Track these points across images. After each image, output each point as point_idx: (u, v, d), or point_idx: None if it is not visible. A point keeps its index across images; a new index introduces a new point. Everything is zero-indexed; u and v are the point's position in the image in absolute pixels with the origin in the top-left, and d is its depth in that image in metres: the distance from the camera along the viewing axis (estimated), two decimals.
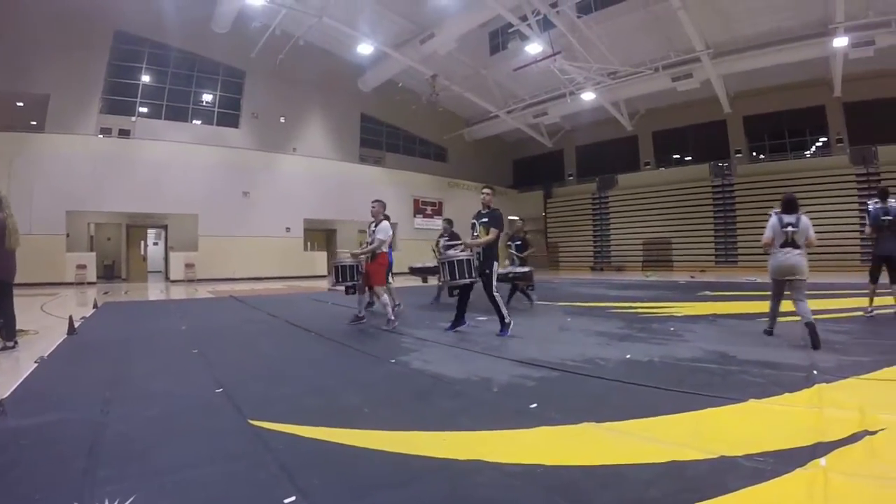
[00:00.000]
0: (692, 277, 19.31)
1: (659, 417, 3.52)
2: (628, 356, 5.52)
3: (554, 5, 19.94)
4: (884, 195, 7.69)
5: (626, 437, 3.19)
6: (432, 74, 24.19)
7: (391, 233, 7.98)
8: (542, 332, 7.20)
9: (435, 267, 9.64)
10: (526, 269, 10.30)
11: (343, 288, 8.50)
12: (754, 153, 26.50)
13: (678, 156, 29.02)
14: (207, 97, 24.39)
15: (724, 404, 3.79)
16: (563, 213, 31.75)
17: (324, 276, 23.17)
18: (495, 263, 6.91)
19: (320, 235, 26.66)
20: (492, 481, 2.56)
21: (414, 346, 6.30)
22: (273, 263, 22.86)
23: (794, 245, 6.03)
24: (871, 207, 7.73)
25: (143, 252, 25.16)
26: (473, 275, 6.83)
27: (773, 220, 6.17)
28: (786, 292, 6.31)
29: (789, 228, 6.02)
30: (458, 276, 6.83)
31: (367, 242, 8.03)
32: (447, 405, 3.85)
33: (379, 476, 2.63)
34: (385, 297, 7.74)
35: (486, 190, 7.34)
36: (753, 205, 23.14)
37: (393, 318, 7.65)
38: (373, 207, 7.95)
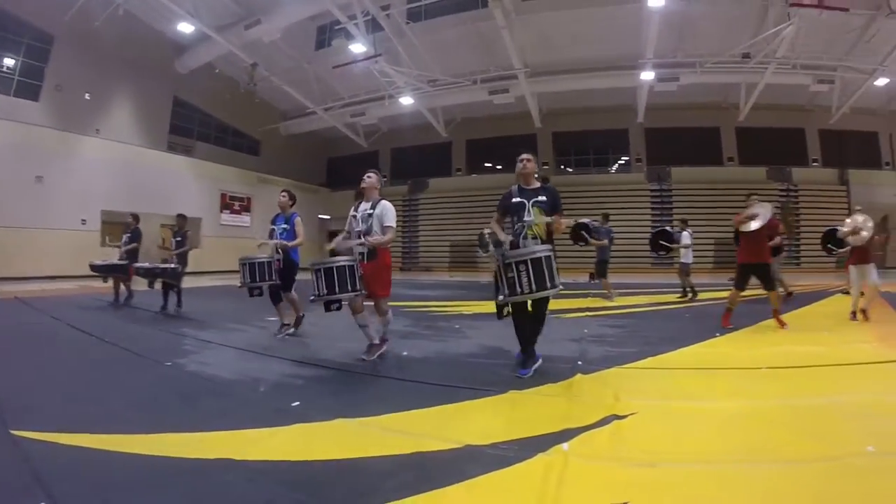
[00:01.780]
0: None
1: (415, 411, 3.68)
2: (405, 353, 5.72)
3: (385, 8, 20.11)
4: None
5: (377, 430, 3.31)
6: (253, 63, 23.01)
7: None
8: (329, 332, 7.19)
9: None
10: (173, 266, 9.83)
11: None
12: (562, 166, 28.87)
13: (489, 164, 30.40)
14: (8, 62, 20.42)
15: (485, 396, 4.04)
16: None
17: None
18: None
19: (119, 229, 23.79)
20: (235, 479, 2.60)
21: (195, 347, 6.10)
22: (67, 260, 19.58)
23: None
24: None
25: None
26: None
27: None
28: None
29: None
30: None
31: (357, 233, 5.46)
32: (212, 406, 3.84)
33: (130, 480, 2.60)
34: (389, 315, 5.68)
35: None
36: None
37: (378, 342, 5.51)
38: (368, 179, 5.62)
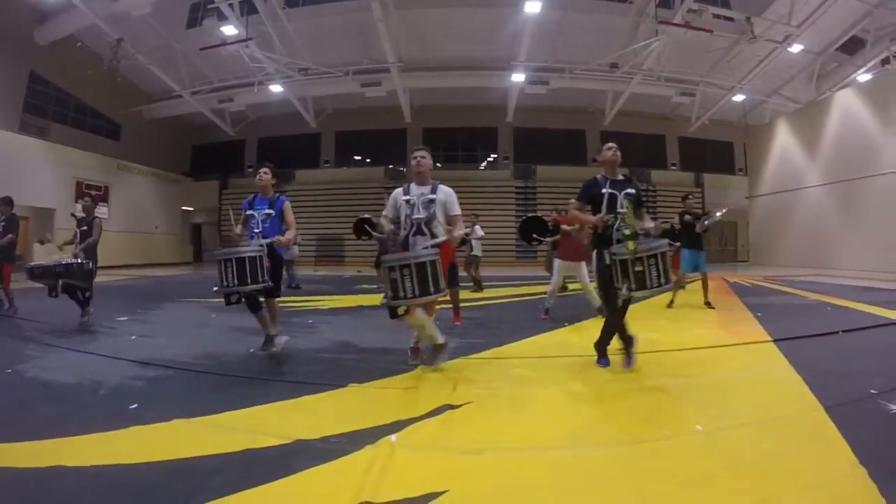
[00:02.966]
0: (358, 272, 20.19)
1: (252, 408, 3.67)
2: (251, 350, 5.61)
3: None
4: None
5: (212, 429, 3.29)
6: (118, 38, 21.23)
7: None
8: (176, 330, 7.01)
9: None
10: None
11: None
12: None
13: (358, 157, 30.36)
14: None
15: (325, 390, 4.08)
16: (239, 206, 29.99)
17: None
18: None
19: None
20: (66, 486, 2.51)
21: (37, 352, 5.63)
22: None
23: None
24: None
25: None
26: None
27: None
28: None
29: None
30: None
31: (415, 220, 4.65)
32: (49, 412, 3.64)
33: None
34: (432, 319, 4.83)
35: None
36: None
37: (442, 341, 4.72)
38: (421, 159, 4.78)
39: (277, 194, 5.76)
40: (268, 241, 5.31)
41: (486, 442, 3.01)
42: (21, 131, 22.14)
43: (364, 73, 23.22)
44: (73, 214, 7.32)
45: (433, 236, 4.57)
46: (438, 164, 28.87)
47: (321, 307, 9.37)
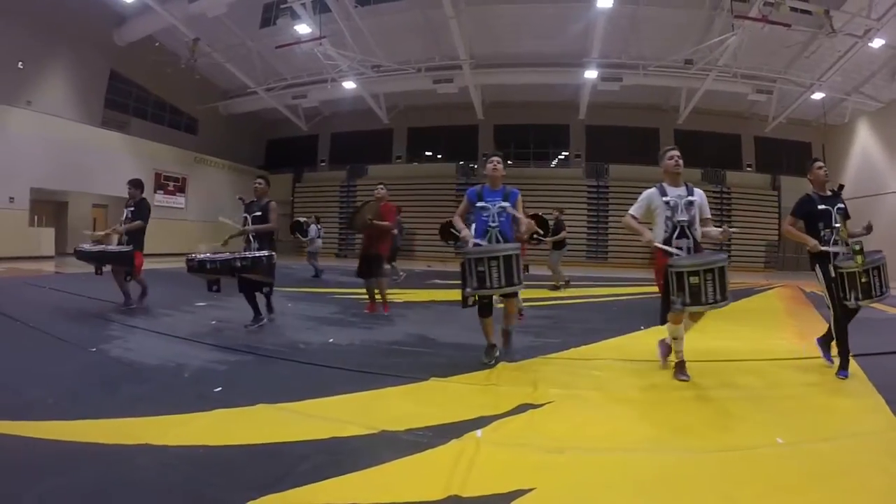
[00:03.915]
0: (428, 267, 20.49)
1: (336, 397, 3.72)
2: (331, 340, 5.72)
3: None
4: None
5: (296, 416, 3.33)
6: (195, 38, 22.05)
7: None
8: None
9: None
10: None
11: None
12: None
13: (430, 153, 30.39)
14: None
15: (406, 383, 4.10)
16: (311, 199, 30.56)
17: (51, 258, 19.51)
18: None
19: (49, 209, 22.25)
20: (150, 464, 2.57)
21: (121, 333, 5.83)
22: None
23: None
24: None
25: None
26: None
27: None
28: None
29: None
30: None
31: (678, 223, 4.57)
32: (134, 392, 3.74)
33: (45, 466, 2.53)
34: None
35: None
36: None
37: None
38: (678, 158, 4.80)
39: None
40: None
41: (568, 441, 3.02)
42: (103, 126, 23.33)
43: (436, 70, 23.24)
44: (240, 199, 6.98)
45: (694, 239, 4.58)
46: (509, 162, 28.73)
47: (395, 300, 9.36)
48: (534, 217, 8.58)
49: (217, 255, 6.20)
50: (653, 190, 4.70)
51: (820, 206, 4.81)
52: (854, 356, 5.35)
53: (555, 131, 28.29)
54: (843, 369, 4.65)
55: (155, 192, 24.46)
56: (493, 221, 4.75)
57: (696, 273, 4.14)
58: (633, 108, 26.04)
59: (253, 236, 6.33)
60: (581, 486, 2.50)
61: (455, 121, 27.84)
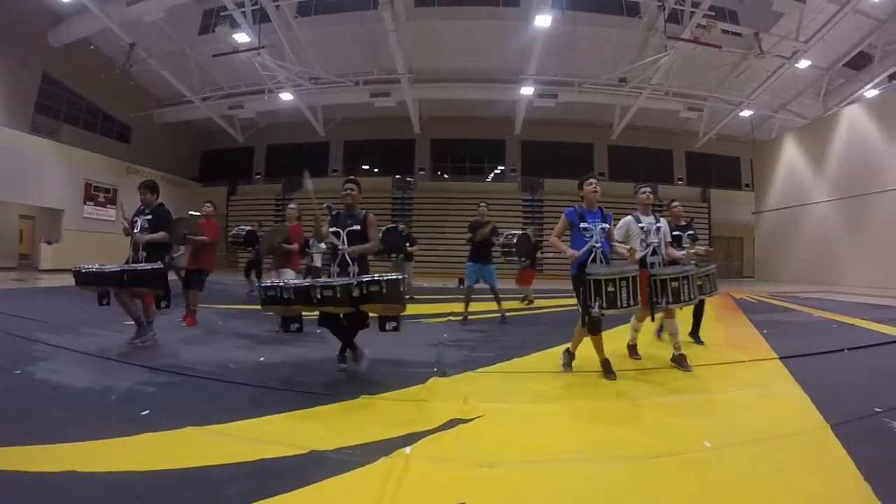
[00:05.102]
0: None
1: (265, 417, 3.67)
2: (262, 358, 5.63)
3: None
4: None
5: (225, 438, 3.28)
6: (131, 42, 21.33)
7: None
8: (184, 336, 6.90)
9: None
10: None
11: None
12: (438, 172, 29.51)
13: (367, 166, 30.28)
14: None
15: (337, 401, 4.09)
16: (246, 212, 28.82)
17: None
18: None
19: None
20: (79, 492, 2.50)
21: (47, 354, 5.57)
22: None
23: None
24: None
25: None
26: None
27: None
28: None
29: None
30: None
31: (650, 244, 5.57)
32: (60, 416, 3.61)
33: None
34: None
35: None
36: (430, 217, 25.88)
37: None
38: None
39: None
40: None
41: (499, 455, 3.03)
42: (32, 132, 21.95)
43: (374, 83, 23.35)
44: (327, 206, 6.26)
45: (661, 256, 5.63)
46: (445, 176, 29.08)
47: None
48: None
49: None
50: (629, 218, 5.63)
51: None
52: (782, 358, 5.71)
53: (491, 146, 28.90)
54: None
55: (84, 203, 23.46)
56: (597, 242, 4.94)
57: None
58: (568, 124, 26.95)
59: (352, 259, 5.18)
60: (512, 500, 2.53)
61: (392, 134, 28.01)
